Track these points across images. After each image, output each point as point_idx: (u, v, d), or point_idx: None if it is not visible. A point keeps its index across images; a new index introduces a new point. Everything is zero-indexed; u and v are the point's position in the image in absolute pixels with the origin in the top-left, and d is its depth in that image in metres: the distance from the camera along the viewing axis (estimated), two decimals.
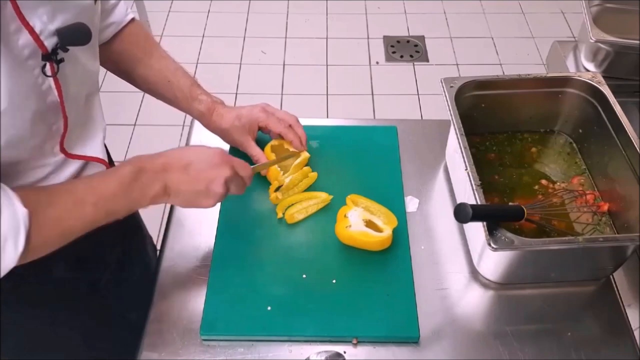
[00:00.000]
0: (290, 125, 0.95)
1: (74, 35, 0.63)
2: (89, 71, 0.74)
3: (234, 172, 0.77)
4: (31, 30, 0.58)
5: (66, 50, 0.63)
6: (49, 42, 0.61)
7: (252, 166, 0.84)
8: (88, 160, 0.76)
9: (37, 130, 0.64)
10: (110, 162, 0.93)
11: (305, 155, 0.97)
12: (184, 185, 0.73)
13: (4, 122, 0.57)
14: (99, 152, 0.79)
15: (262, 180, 0.96)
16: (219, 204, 0.92)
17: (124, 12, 0.88)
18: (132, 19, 0.90)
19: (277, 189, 0.93)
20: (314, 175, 0.95)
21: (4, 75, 0.56)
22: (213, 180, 0.75)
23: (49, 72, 0.62)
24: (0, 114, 0.56)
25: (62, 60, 0.63)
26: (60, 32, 0.61)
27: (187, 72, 0.94)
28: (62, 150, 0.71)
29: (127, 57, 0.91)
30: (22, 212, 0.59)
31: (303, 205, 0.91)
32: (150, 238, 1.13)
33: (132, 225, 1.03)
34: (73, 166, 0.74)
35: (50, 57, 0.61)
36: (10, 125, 0.59)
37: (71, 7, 0.63)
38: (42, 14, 0.59)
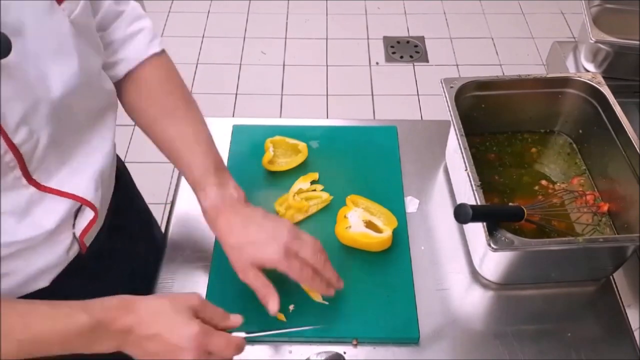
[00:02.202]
0: (316, 269, 0.72)
1: None
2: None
3: (202, 356, 0.61)
4: None
5: None
6: None
7: (246, 335, 0.68)
8: (67, 197, 0.65)
9: None
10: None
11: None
12: (139, 355, 0.61)
13: None
14: (82, 191, 0.67)
15: (262, 181, 0.96)
16: None
17: (144, 46, 0.73)
18: (156, 54, 0.74)
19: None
20: (305, 151, 0.97)
21: None
22: None
23: None
24: None
25: None
26: None
27: (210, 149, 0.75)
28: (31, 181, 0.61)
29: (139, 111, 0.76)
30: None
31: (296, 206, 0.91)
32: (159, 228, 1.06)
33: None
34: (58, 203, 0.64)
35: None
36: None
37: None
38: None
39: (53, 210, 0.64)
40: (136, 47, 0.73)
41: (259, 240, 0.71)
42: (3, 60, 0.53)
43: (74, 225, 0.69)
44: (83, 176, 0.67)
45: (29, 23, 0.56)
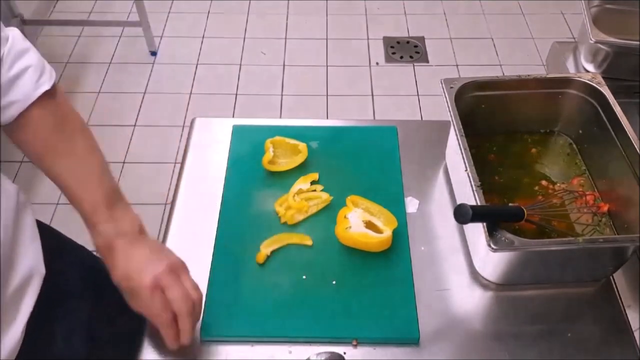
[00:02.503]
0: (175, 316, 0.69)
1: None
2: None
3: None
4: None
5: None
6: None
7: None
8: None
9: None
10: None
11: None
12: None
13: None
14: None
15: (262, 181, 0.96)
16: (218, 205, 0.93)
17: (31, 86, 0.68)
18: (46, 92, 0.69)
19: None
20: (305, 151, 0.97)
21: None
22: None
23: None
24: None
25: None
26: None
27: (103, 183, 0.73)
28: None
29: (28, 149, 0.72)
30: None
31: (296, 207, 0.91)
32: None
33: None
34: None
35: None
36: None
37: None
38: None
39: None
40: (23, 88, 0.68)
41: (134, 272, 0.68)
42: None
43: None
44: None
45: None
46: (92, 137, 0.75)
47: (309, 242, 0.88)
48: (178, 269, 0.70)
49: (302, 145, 0.98)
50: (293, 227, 0.90)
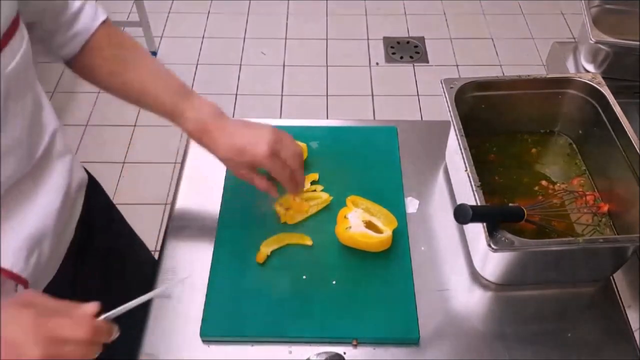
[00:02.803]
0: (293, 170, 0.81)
1: None
2: None
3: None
4: None
5: None
6: None
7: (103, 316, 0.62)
8: None
9: None
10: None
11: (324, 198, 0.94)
12: None
13: None
14: (10, 261, 0.63)
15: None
16: (218, 205, 0.93)
17: (91, 17, 0.77)
18: (103, 22, 0.78)
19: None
20: (328, 198, 0.94)
21: None
22: None
23: None
24: None
25: None
26: None
27: (172, 80, 0.80)
28: None
29: (101, 71, 0.79)
30: None
31: (297, 207, 0.91)
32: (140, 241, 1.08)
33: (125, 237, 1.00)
34: None
35: None
36: None
37: None
38: None
39: None
40: (85, 20, 0.76)
41: (246, 145, 0.77)
42: None
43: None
44: (8, 244, 0.63)
45: None
46: (146, 50, 0.84)
47: (309, 242, 0.88)
48: (277, 132, 0.79)
49: (302, 145, 0.98)
50: (293, 227, 0.90)
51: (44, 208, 0.69)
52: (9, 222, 0.64)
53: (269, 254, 0.86)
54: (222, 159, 0.80)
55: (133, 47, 0.81)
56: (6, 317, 0.53)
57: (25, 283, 0.65)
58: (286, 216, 0.90)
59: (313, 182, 0.96)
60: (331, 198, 0.93)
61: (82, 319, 0.57)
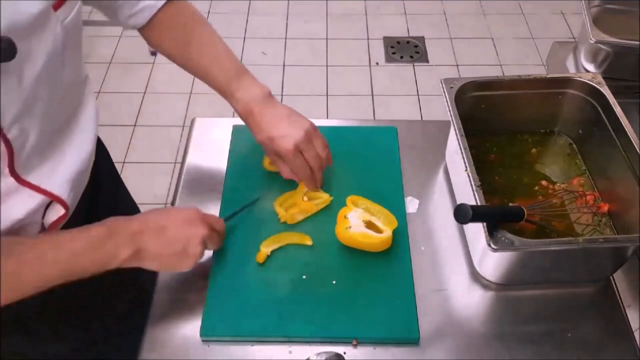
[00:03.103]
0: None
1: None
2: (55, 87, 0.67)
3: (210, 229, 0.76)
4: None
5: None
6: None
7: (224, 218, 0.84)
8: (43, 194, 0.70)
9: None
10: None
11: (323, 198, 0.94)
12: (160, 249, 0.71)
13: None
14: (57, 189, 0.72)
15: (262, 181, 0.96)
16: (218, 205, 0.93)
17: None
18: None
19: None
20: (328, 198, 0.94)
21: None
22: (190, 240, 0.73)
23: None
24: None
25: None
26: None
27: (231, 60, 0.87)
28: (13, 174, 0.65)
29: (166, 47, 0.87)
30: None
31: (302, 207, 0.91)
32: None
33: None
34: (32, 197, 0.69)
35: None
36: None
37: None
38: None
39: (25, 203, 0.68)
40: None
41: (276, 137, 0.84)
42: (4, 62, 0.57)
43: (43, 216, 0.72)
44: (60, 175, 0.72)
45: (27, 28, 0.59)
46: (210, 25, 0.89)
47: (309, 242, 0.88)
48: (311, 133, 0.86)
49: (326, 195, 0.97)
50: (293, 226, 0.90)
51: (81, 145, 0.77)
52: (67, 157, 0.73)
53: (269, 253, 0.86)
54: (258, 141, 0.88)
55: (197, 26, 0.87)
56: (179, 209, 0.78)
57: (67, 209, 0.74)
58: (286, 216, 0.90)
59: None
60: (331, 198, 0.93)
61: (219, 220, 0.81)
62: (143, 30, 0.86)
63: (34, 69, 0.62)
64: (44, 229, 0.73)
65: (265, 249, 0.86)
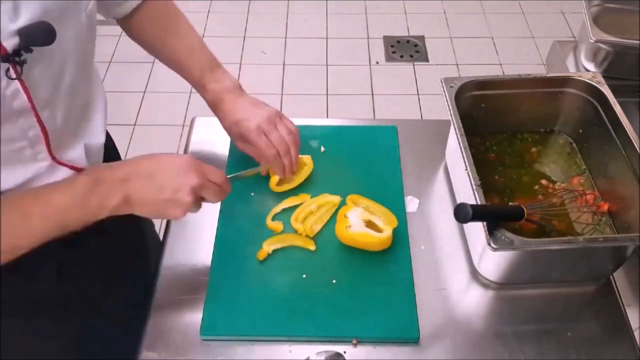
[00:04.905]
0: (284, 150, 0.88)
1: (35, 35, 0.58)
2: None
3: (203, 180, 0.72)
4: None
5: (30, 51, 0.58)
6: (9, 43, 0.56)
7: (228, 175, 0.80)
8: (74, 169, 0.74)
9: (8, 135, 0.62)
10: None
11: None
12: (148, 194, 0.69)
13: None
14: (83, 162, 0.75)
15: (261, 181, 0.96)
16: (219, 205, 0.93)
17: None
18: None
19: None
20: (310, 164, 0.96)
21: None
22: (179, 188, 0.69)
23: (13, 75, 0.58)
24: None
25: (24, 62, 0.58)
26: (21, 32, 0.57)
27: (205, 52, 0.92)
28: (50, 154, 0.69)
29: (146, 35, 0.90)
30: None
31: (317, 216, 0.90)
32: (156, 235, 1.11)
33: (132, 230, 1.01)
34: (63, 173, 0.72)
35: (11, 58, 0.57)
36: None
37: (37, 4, 0.59)
38: (2, 13, 0.56)
39: (56, 179, 0.71)
40: None
41: (241, 119, 0.88)
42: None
43: None
44: (83, 150, 0.76)
45: (58, 13, 0.62)
46: (187, 20, 0.94)
47: (312, 247, 0.87)
48: (275, 117, 0.89)
49: (307, 157, 0.97)
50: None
51: (100, 126, 0.82)
52: (81, 138, 0.76)
53: (270, 252, 0.86)
54: (224, 128, 0.92)
55: (176, 19, 0.91)
56: (171, 155, 0.72)
57: None
58: (305, 230, 0.88)
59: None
60: (340, 199, 0.92)
61: (218, 171, 0.76)
62: (123, 21, 0.89)
63: (63, 54, 0.65)
64: None
65: (268, 247, 0.86)
